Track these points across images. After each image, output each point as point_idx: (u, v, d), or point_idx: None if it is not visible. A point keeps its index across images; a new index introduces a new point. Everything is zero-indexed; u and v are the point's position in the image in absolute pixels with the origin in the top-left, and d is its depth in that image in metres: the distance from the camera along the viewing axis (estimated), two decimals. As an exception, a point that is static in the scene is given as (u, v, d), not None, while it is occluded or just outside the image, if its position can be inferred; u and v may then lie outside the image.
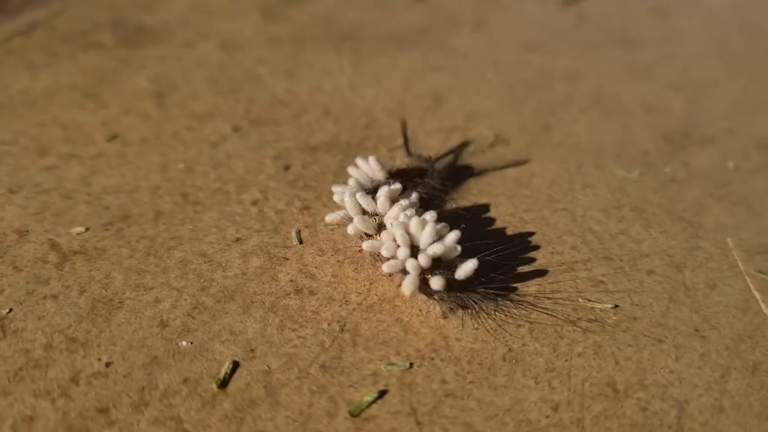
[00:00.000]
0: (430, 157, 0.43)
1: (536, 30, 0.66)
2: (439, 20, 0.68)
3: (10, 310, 0.34)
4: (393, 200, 0.37)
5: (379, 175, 0.40)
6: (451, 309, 0.33)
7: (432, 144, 0.48)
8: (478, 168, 0.45)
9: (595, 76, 0.57)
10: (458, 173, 0.45)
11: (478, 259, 0.33)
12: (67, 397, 0.30)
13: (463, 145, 0.47)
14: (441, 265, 0.33)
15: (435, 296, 0.33)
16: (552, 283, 0.36)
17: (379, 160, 0.40)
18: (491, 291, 0.34)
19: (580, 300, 0.35)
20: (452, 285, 0.33)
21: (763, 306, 0.35)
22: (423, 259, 0.33)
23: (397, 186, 0.38)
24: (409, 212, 0.36)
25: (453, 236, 0.33)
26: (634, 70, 0.59)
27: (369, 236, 0.36)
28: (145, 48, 0.61)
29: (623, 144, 0.49)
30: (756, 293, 0.36)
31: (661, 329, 0.34)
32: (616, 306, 0.35)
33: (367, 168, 0.40)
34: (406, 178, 0.41)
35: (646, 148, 0.48)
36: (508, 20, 0.68)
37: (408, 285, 0.32)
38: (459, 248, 0.33)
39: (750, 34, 0.66)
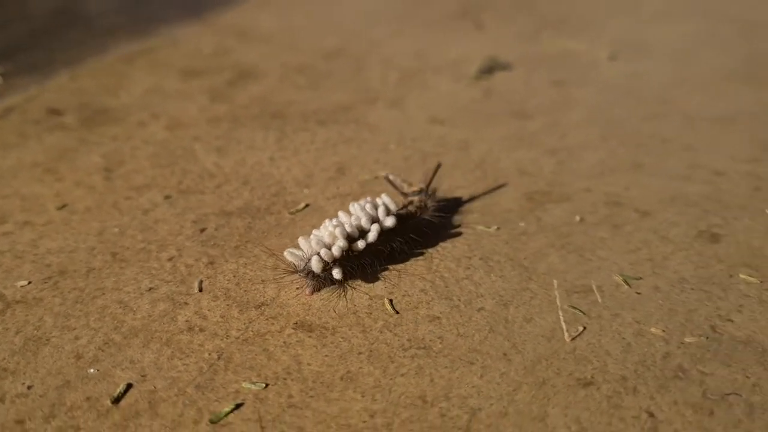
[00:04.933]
0: (421, 188, 0.55)
1: (445, 104, 0.76)
2: (361, 98, 0.78)
3: (-42, 347, 0.43)
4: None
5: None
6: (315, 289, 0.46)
7: (330, 208, 0.57)
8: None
9: (484, 145, 0.67)
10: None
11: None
12: (-7, 412, 0.38)
13: (437, 168, 0.57)
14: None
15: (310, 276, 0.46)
16: (397, 318, 0.45)
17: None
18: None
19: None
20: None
21: (566, 334, 0.44)
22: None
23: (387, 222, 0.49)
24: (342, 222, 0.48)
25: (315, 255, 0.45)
26: (519, 138, 0.68)
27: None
28: (103, 128, 0.71)
29: (490, 204, 0.57)
30: (563, 324, 0.44)
31: (475, 354, 0.42)
32: (398, 312, 0.44)
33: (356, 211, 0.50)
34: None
35: (510, 206, 0.57)
36: (422, 96, 0.78)
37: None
38: (314, 258, 0.45)
39: (632, 102, 0.76)
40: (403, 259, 0.51)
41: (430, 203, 0.54)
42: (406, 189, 0.55)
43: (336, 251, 0.47)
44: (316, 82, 0.83)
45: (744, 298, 0.47)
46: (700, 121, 0.71)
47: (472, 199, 0.58)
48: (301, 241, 0.48)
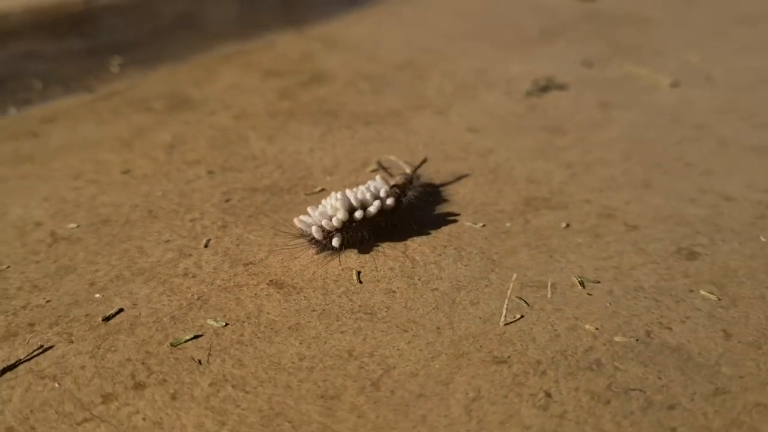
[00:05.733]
0: (408, 174, 0.63)
1: (487, 115, 0.80)
2: (412, 104, 0.84)
3: (8, 267, 0.54)
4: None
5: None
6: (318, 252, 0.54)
7: (338, 190, 0.63)
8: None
9: (505, 154, 0.71)
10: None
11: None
12: (15, 315, 0.48)
13: (423, 161, 0.66)
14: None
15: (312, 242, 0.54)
16: (358, 288, 0.51)
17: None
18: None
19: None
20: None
21: (502, 319, 0.48)
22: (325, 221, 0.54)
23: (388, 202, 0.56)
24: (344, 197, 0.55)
25: (317, 224, 0.53)
26: (542, 151, 0.71)
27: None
28: (181, 113, 0.82)
29: (487, 204, 0.62)
30: (504, 310, 0.48)
31: (412, 324, 0.47)
32: (361, 283, 0.49)
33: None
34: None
35: (504, 208, 0.61)
36: (470, 106, 0.83)
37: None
38: (314, 227, 0.53)
39: (671, 125, 0.76)
40: (386, 240, 0.56)
41: (414, 183, 0.61)
42: (396, 174, 0.63)
43: (336, 222, 0.53)
44: (377, 88, 0.90)
45: (693, 311, 0.48)
46: (734, 148, 0.71)
47: (468, 196, 0.63)
48: (309, 210, 0.55)
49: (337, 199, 0.54)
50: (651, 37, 1.11)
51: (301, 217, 0.55)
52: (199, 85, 0.92)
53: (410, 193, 0.59)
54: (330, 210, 0.54)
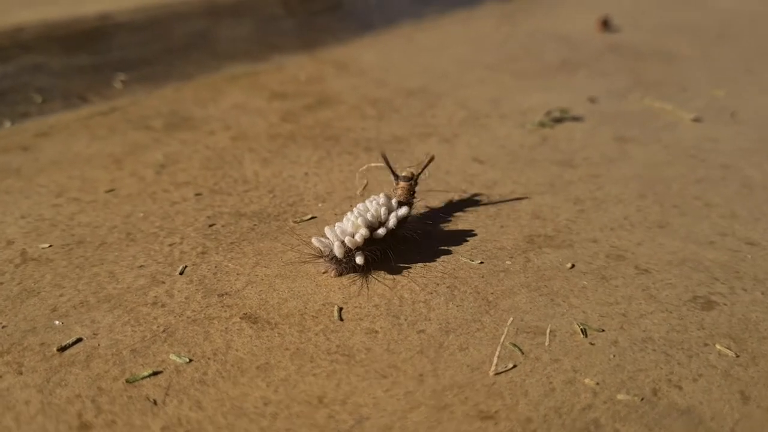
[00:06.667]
0: (412, 174, 0.58)
1: (494, 146, 0.76)
2: (418, 132, 0.80)
3: (-30, 286, 0.50)
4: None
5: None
6: (339, 272, 0.51)
7: (329, 218, 0.60)
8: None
9: (511, 187, 0.67)
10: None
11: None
12: (-34, 340, 0.45)
13: (430, 160, 0.59)
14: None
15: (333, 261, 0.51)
16: (338, 326, 0.46)
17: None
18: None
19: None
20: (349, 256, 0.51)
21: (492, 368, 0.43)
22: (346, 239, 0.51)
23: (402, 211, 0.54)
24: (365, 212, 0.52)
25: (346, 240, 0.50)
26: (551, 185, 0.67)
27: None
28: (179, 132, 0.79)
29: (487, 239, 0.57)
30: (496, 359, 0.44)
31: (393, 370, 0.43)
32: (342, 320, 0.44)
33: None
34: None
35: (505, 244, 0.57)
36: (478, 136, 0.79)
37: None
38: (337, 246, 0.50)
39: (691, 163, 0.72)
40: (374, 275, 0.52)
41: (416, 183, 0.59)
42: (398, 171, 0.59)
43: (359, 238, 0.50)
44: (384, 114, 0.86)
45: (707, 369, 0.43)
46: (759, 190, 0.66)
47: (467, 230, 0.58)
48: (326, 230, 0.52)
49: (356, 216, 0.52)
50: (677, 72, 1.07)
51: (318, 237, 0.52)
52: (203, 104, 0.89)
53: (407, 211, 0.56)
54: (350, 227, 0.51)
